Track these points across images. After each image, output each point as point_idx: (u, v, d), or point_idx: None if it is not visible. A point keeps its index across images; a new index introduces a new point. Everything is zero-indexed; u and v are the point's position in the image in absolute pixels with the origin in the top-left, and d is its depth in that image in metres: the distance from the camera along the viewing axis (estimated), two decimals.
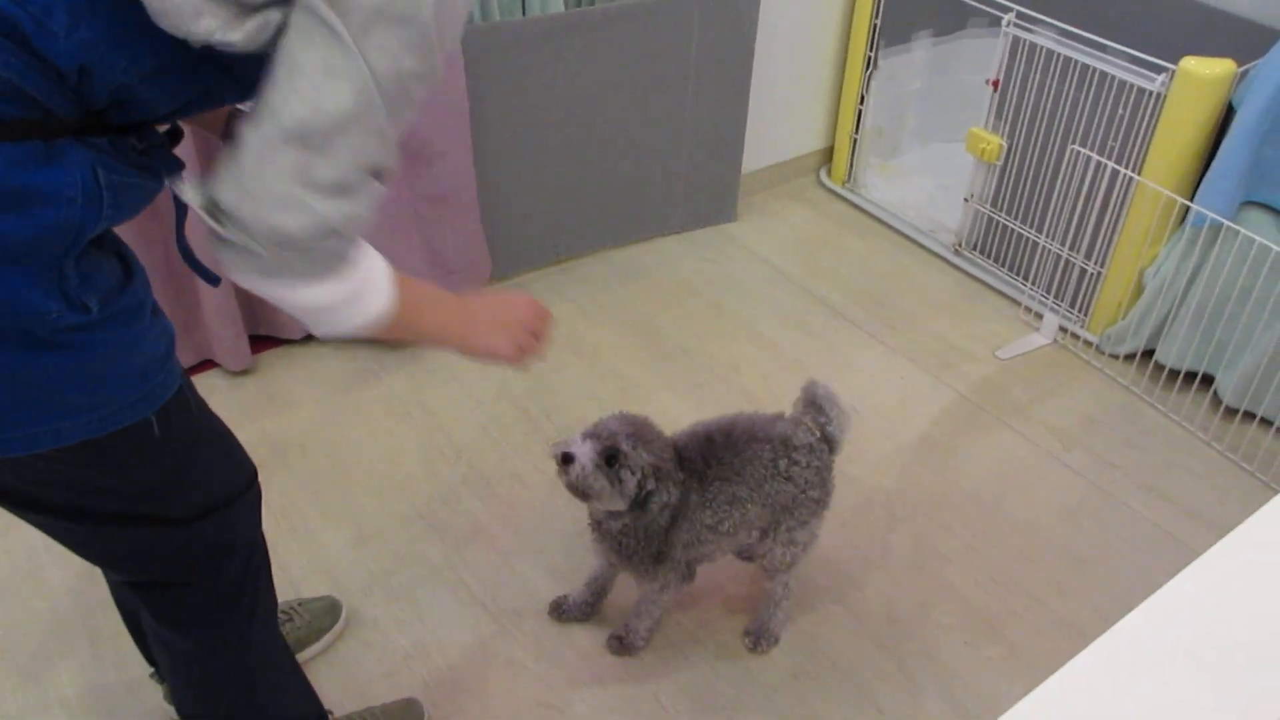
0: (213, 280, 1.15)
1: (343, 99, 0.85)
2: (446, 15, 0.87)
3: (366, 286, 1.00)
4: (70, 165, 0.86)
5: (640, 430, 1.50)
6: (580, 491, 1.47)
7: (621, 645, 1.77)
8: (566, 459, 1.45)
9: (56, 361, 0.92)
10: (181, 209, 1.05)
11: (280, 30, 0.85)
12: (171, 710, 1.63)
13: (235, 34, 0.84)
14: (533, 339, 1.21)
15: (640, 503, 1.50)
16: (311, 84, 0.84)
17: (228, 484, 1.21)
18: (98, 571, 1.47)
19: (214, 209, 0.89)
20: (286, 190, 0.87)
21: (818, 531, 1.70)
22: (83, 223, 0.89)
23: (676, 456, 1.55)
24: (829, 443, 1.66)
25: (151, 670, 1.63)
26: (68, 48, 0.83)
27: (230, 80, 0.95)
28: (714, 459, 1.58)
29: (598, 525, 1.62)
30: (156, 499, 1.12)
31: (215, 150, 1.00)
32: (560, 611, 1.83)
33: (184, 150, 1.09)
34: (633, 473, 1.47)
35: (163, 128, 1.01)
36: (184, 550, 1.19)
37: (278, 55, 0.85)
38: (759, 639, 1.79)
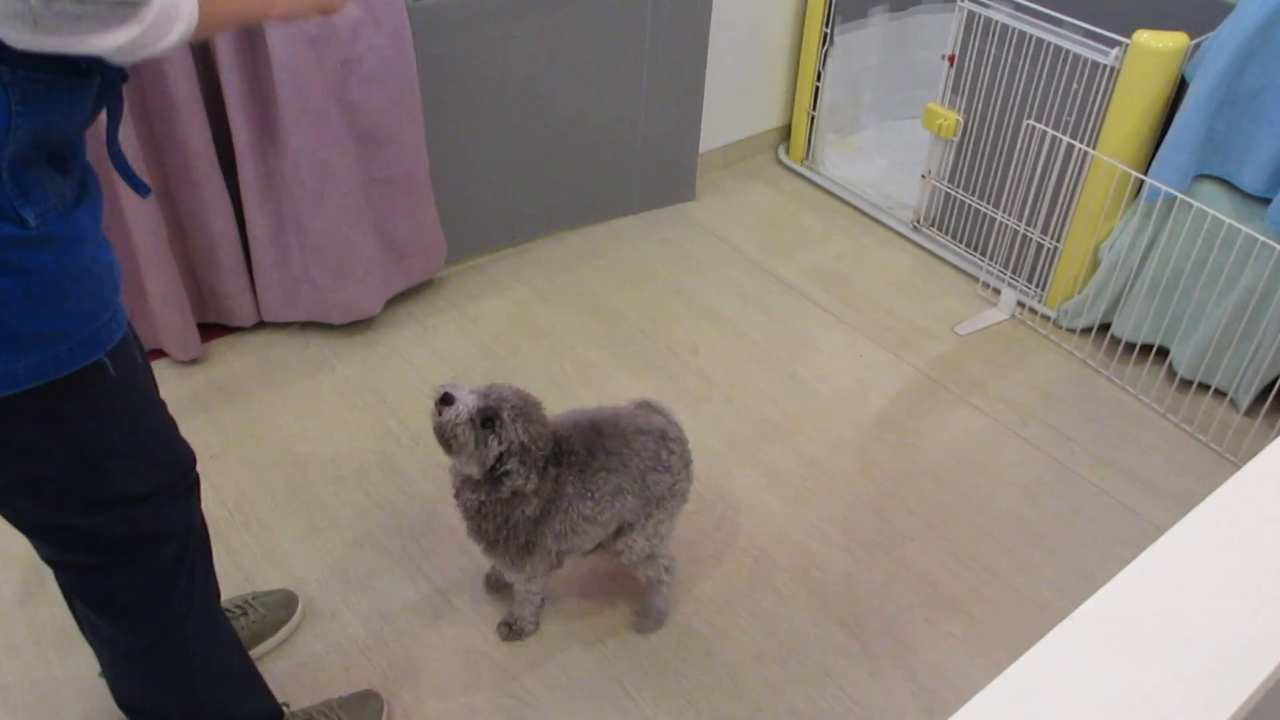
0: (142, 190, 1.12)
1: None
2: None
3: (166, 12, 0.88)
4: None
5: (528, 409, 1.47)
6: (444, 439, 1.43)
7: (511, 631, 1.77)
8: (446, 400, 1.43)
9: (1, 285, 0.91)
10: (116, 112, 1.02)
11: None
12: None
13: None
14: None
15: (495, 478, 1.47)
16: None
17: (166, 467, 1.19)
18: (43, 568, 1.43)
19: None
20: None
21: (675, 525, 1.72)
22: None
23: (555, 448, 1.53)
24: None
25: (101, 669, 1.59)
26: None
27: None
28: (600, 449, 1.57)
29: (456, 494, 1.58)
30: (98, 463, 1.10)
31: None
32: (493, 584, 1.84)
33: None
34: (500, 443, 1.44)
35: None
36: (117, 533, 1.17)
37: None
38: (645, 619, 1.79)
